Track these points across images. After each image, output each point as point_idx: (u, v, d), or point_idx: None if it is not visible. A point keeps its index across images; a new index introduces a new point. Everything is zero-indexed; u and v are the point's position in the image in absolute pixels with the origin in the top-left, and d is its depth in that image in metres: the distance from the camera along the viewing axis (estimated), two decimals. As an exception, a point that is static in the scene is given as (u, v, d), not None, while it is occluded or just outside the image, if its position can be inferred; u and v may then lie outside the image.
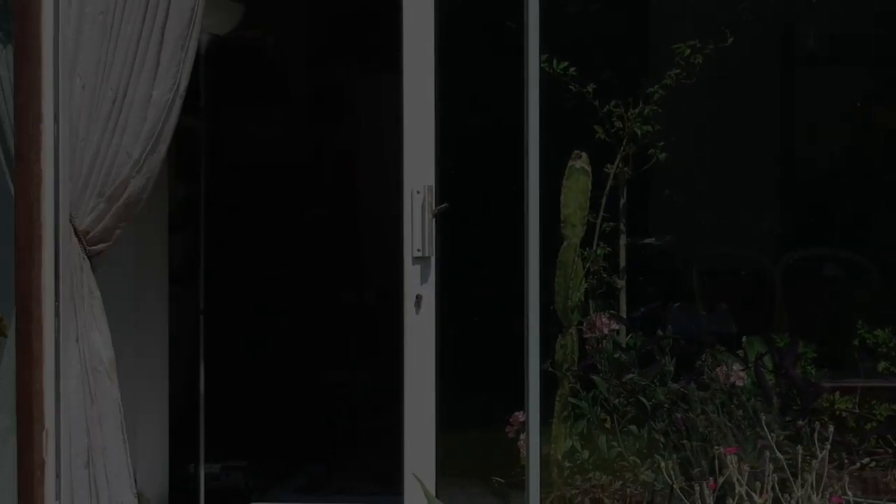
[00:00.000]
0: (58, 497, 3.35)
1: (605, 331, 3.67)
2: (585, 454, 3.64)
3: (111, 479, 3.42)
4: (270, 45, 6.15)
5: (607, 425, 3.64)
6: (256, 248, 6.03)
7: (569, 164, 3.60)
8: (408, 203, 3.35)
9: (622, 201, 3.75)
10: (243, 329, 5.74)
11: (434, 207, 3.34)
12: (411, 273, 3.35)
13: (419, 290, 3.34)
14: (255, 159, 6.12)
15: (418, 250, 3.33)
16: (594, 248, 3.64)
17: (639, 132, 3.65)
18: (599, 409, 3.63)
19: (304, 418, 5.66)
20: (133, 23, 3.48)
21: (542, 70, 3.41)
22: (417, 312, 3.34)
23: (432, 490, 3.34)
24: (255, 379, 5.72)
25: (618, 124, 3.65)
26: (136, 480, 3.65)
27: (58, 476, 3.37)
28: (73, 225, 3.47)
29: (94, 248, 3.51)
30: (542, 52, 3.37)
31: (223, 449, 4.96)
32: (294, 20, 6.12)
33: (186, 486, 4.78)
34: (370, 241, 6.23)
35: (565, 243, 3.62)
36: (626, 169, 3.73)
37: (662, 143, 3.73)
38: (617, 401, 3.63)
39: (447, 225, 3.37)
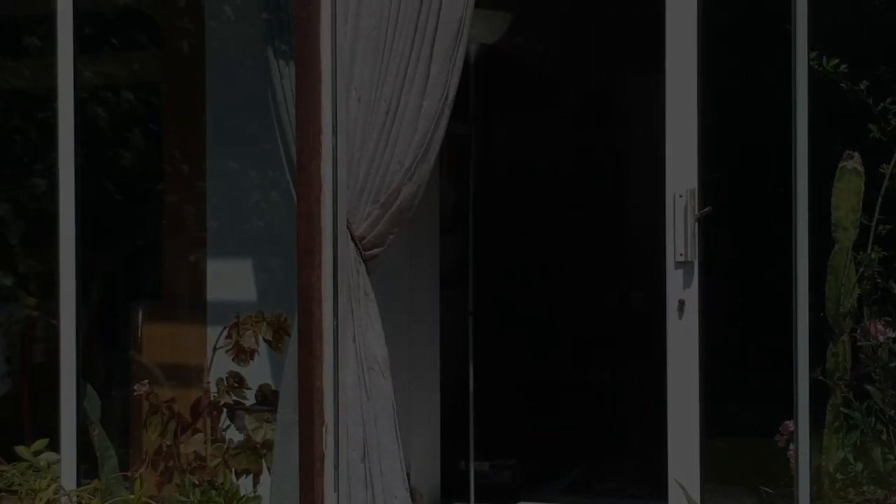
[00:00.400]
0: (336, 488, 3.52)
1: (881, 338, 3.52)
2: (859, 466, 3.50)
3: (385, 473, 3.55)
4: (537, 50, 6.24)
5: (883, 437, 3.50)
6: (523, 249, 6.12)
7: (840, 165, 3.48)
8: (670, 207, 3.34)
9: (900, 202, 3.58)
10: (510, 329, 5.83)
11: (697, 211, 3.32)
12: (674, 277, 3.34)
13: (682, 294, 3.33)
14: (523, 163, 6.21)
15: (681, 255, 3.32)
16: (868, 251, 3.50)
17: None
18: (874, 419, 3.49)
19: (570, 418, 5.70)
20: (404, 38, 3.61)
21: (810, 68, 3.32)
22: (680, 317, 3.32)
23: (696, 497, 3.31)
24: (521, 378, 5.80)
25: (894, 122, 3.49)
26: (409, 476, 3.79)
27: (336, 468, 3.54)
28: (349, 230, 3.64)
29: (369, 252, 3.67)
30: (810, 49, 3.29)
31: (492, 447, 5.06)
32: (560, 25, 6.19)
33: (457, 483, 4.91)
34: (636, 242, 6.20)
35: (837, 247, 3.50)
36: (903, 168, 3.56)
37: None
38: (893, 412, 3.48)
39: (711, 228, 3.33)
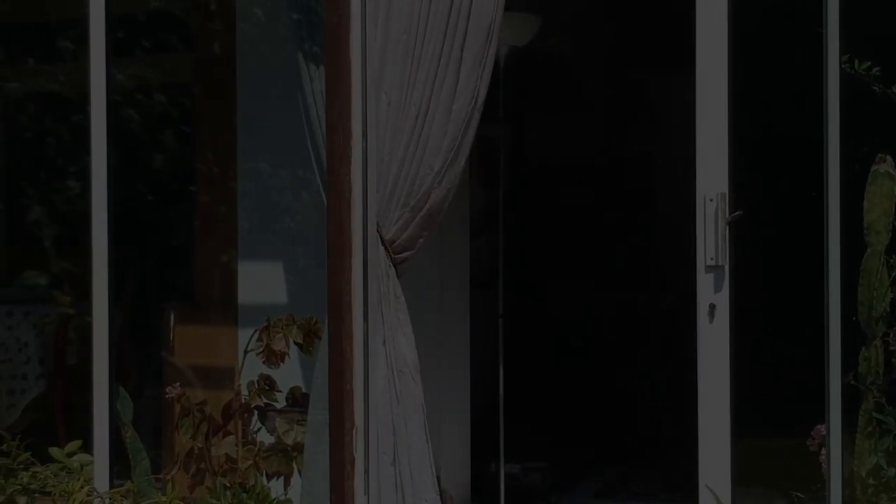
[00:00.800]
0: (366, 492, 3.53)
1: (914, 343, 3.50)
2: (892, 472, 3.48)
3: (415, 476, 3.56)
4: (567, 51, 6.23)
5: (917, 443, 3.47)
6: (554, 250, 6.12)
7: (872, 169, 3.46)
8: (700, 210, 3.33)
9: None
10: (540, 331, 5.83)
11: (728, 215, 3.31)
12: (704, 282, 3.32)
13: (712, 298, 3.31)
14: (553, 164, 6.20)
15: (711, 259, 3.30)
16: (901, 255, 3.48)
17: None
18: (907, 425, 3.47)
19: (600, 421, 5.69)
20: (434, 42, 3.61)
21: (842, 71, 3.30)
22: (711, 322, 3.31)
23: (727, 502, 3.30)
24: (551, 381, 5.80)
25: (928, 125, 3.48)
26: (439, 479, 3.79)
27: (366, 472, 3.54)
28: (379, 234, 3.64)
29: (400, 255, 3.67)
30: (842, 51, 3.27)
31: (522, 450, 5.06)
32: (590, 26, 6.18)
33: (487, 486, 4.91)
34: (667, 243, 6.19)
35: (869, 251, 3.48)
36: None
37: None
38: (927, 417, 3.46)
39: (743, 230, 3.32)
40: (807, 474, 3.60)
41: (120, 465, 4.14)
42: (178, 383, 3.97)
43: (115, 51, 4.42)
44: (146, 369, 5.17)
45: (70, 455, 4.23)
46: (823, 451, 3.43)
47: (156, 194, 5.50)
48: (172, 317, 4.98)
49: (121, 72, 5.54)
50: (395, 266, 3.67)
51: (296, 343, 3.90)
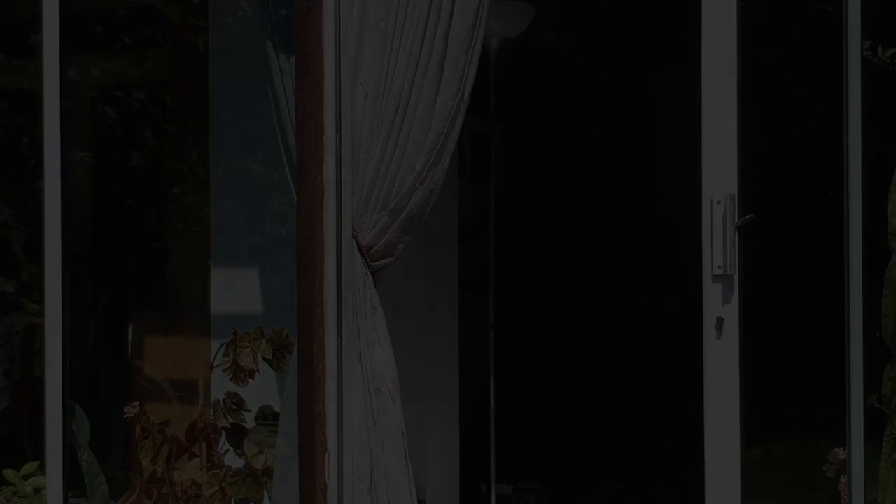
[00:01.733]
0: (339, 522, 3.25)
1: (942, 360, 3.19)
2: (921, 504, 3.17)
3: (393, 505, 3.28)
4: (565, 45, 5.93)
5: (945, 471, 3.16)
6: (550, 254, 5.84)
7: (897, 169, 3.15)
8: (707, 214, 3.01)
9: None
10: (534, 339, 5.56)
11: (737, 218, 2.99)
12: (711, 293, 3.00)
13: (720, 311, 3.00)
14: (549, 162, 5.92)
15: (719, 267, 2.98)
16: (927, 261, 3.15)
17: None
18: (936, 452, 3.15)
19: (600, 433, 5.41)
20: (415, 28, 3.32)
21: (864, 59, 2.99)
22: (718, 337, 2.99)
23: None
24: (547, 393, 5.52)
25: (955, 119, 3.16)
26: (424, 501, 3.52)
27: (339, 500, 3.25)
28: (355, 239, 3.35)
29: (377, 263, 3.38)
30: (864, 38, 2.96)
31: (515, 468, 4.78)
32: (590, 18, 5.87)
33: (477, 507, 4.64)
34: (669, 244, 5.89)
35: (893, 258, 3.16)
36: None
37: None
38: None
39: (753, 237, 3.01)
40: (824, 502, 3.29)
41: (79, 488, 3.85)
42: (138, 402, 3.68)
43: (93, 45, 4.18)
44: (118, 383, 4.89)
45: (27, 477, 3.94)
46: (842, 479, 3.12)
47: (131, 196, 5.25)
48: (142, 327, 4.69)
49: (97, 67, 5.31)
50: (372, 274, 3.38)
51: (265, 359, 3.61)
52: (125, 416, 3.72)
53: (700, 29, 3.11)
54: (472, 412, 4.68)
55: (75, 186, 5.31)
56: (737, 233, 2.99)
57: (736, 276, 2.98)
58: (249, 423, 3.70)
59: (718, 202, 3.00)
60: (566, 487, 4.96)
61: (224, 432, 3.69)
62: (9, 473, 3.92)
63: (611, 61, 6.17)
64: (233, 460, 3.71)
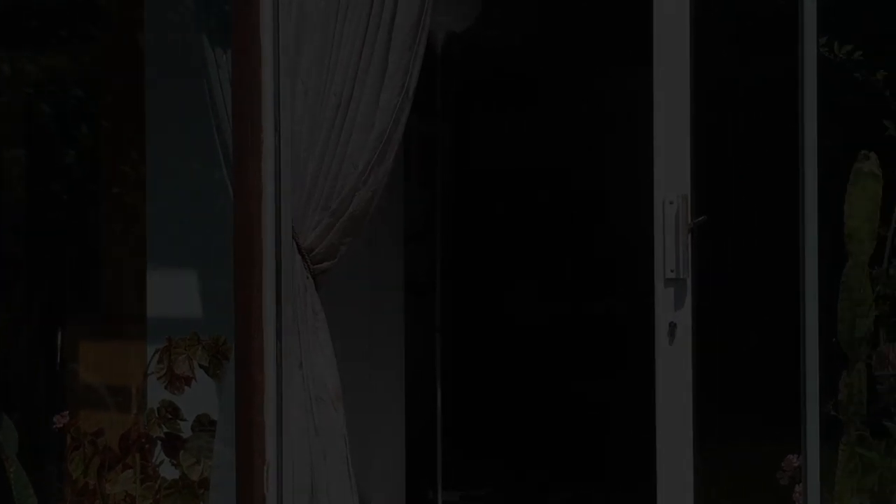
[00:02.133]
0: (278, 536, 3.11)
1: (901, 367, 3.10)
2: (877, 515, 3.08)
3: (334, 518, 3.15)
4: (515, 43, 5.83)
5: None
6: (499, 257, 5.75)
7: (854, 167, 3.06)
8: (659, 215, 2.91)
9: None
10: (482, 342, 5.47)
11: (690, 220, 2.90)
12: (663, 297, 2.91)
13: (673, 316, 2.90)
14: (497, 163, 5.84)
15: (671, 271, 2.89)
16: (884, 266, 3.07)
17: (942, 130, 3.07)
18: (894, 461, 3.06)
19: (550, 440, 5.32)
20: (357, 21, 3.21)
21: (820, 55, 2.91)
22: (671, 343, 2.90)
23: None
24: (496, 397, 5.44)
25: (914, 117, 3.08)
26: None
27: (279, 513, 3.13)
28: (296, 241, 3.23)
29: (319, 266, 3.26)
30: (820, 33, 2.88)
31: (463, 475, 4.69)
32: (538, 13, 5.78)
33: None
34: (621, 248, 5.80)
35: (850, 261, 3.06)
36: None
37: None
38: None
39: (706, 239, 2.92)
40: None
41: (7, 502, 3.69)
42: (67, 411, 3.52)
43: (25, 40, 4.03)
44: (50, 390, 4.72)
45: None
46: (797, 487, 3.04)
47: (66, 195, 5.10)
48: (76, 331, 4.54)
49: (32, 63, 5.17)
50: (313, 277, 3.26)
51: (201, 366, 3.47)
52: (55, 427, 3.56)
53: (652, 25, 3.02)
54: (419, 418, 4.57)
55: (9, 186, 5.16)
56: (690, 235, 2.90)
57: (689, 280, 2.89)
58: (185, 432, 3.55)
59: (671, 203, 2.91)
60: (515, 494, 4.88)
61: (159, 442, 3.54)
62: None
63: (563, 59, 6.08)
64: (168, 471, 3.57)
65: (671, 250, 2.90)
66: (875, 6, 3.14)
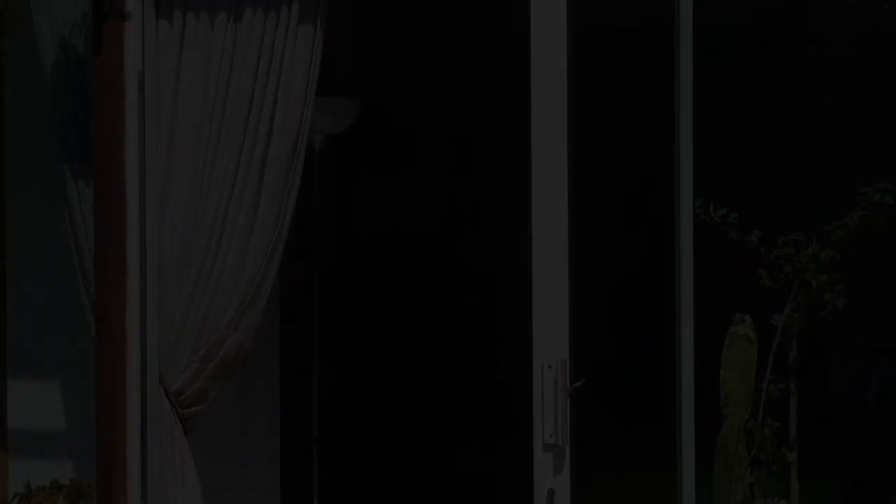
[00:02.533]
0: None
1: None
2: None
3: None
4: (392, 110, 5.71)
5: None
6: (379, 326, 5.64)
7: (730, 331, 3.03)
8: (538, 379, 2.85)
9: (791, 356, 3.15)
10: (365, 423, 5.36)
11: (569, 385, 2.85)
12: (542, 463, 2.85)
13: (551, 483, 2.85)
14: (379, 232, 5.71)
15: (550, 436, 2.84)
16: (759, 418, 3.03)
17: (813, 282, 3.06)
18: None
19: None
20: (229, 159, 3.08)
21: (697, 219, 2.89)
22: (549, 509, 2.85)
23: None
24: (378, 475, 5.35)
25: (787, 269, 3.07)
26: None
27: None
28: (163, 386, 3.10)
29: (188, 410, 3.13)
30: (696, 196, 2.86)
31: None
32: (420, 86, 5.66)
33: None
34: (503, 314, 5.74)
35: (726, 425, 3.03)
36: (795, 316, 3.14)
37: (841, 287, 3.13)
38: None
39: (582, 406, 2.86)
40: None
41: None
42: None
43: None
44: None
45: None
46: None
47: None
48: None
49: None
50: (182, 423, 3.11)
51: (63, 514, 3.29)
52: None
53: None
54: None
55: None
56: (568, 399, 2.85)
57: (568, 448, 2.83)
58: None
59: (549, 367, 2.85)
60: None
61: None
62: None
63: (440, 121, 5.97)
64: None
65: (550, 415, 2.84)
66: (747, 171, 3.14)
